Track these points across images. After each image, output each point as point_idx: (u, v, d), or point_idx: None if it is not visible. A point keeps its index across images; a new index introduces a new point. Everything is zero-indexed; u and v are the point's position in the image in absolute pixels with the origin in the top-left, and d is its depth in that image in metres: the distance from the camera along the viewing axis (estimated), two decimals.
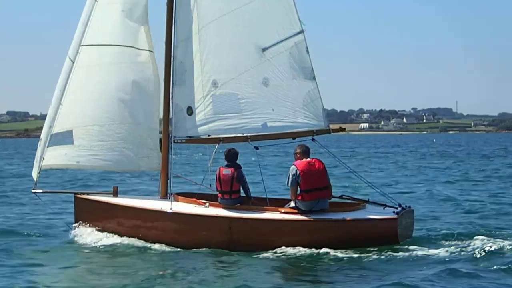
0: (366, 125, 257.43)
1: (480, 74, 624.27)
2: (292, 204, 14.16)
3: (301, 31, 15.02)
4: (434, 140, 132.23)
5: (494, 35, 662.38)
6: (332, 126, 15.38)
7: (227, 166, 14.58)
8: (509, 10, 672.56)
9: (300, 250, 13.59)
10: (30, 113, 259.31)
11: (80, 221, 15.38)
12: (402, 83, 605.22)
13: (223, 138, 15.13)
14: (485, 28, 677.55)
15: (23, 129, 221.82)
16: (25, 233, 16.60)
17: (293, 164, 14.11)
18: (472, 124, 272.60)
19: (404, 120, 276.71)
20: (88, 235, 15.07)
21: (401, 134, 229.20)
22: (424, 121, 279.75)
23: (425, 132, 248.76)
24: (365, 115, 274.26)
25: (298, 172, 13.91)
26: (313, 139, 14.95)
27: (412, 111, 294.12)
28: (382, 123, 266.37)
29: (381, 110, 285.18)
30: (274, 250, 13.66)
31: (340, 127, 16.22)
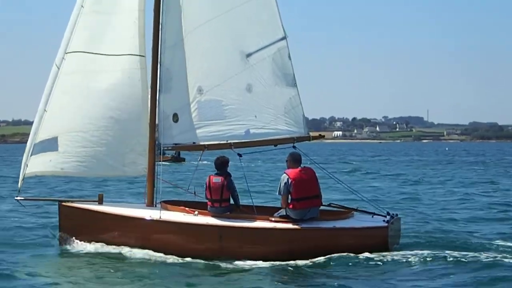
0: (339, 133, 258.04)
1: (451, 83, 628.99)
2: (283, 212, 14.10)
3: (284, 37, 15.07)
4: (447, 148, 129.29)
5: (465, 44, 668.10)
6: (311, 134, 15.42)
7: (217, 174, 14.51)
8: (481, 19, 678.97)
9: (291, 259, 13.53)
10: (1, 119, 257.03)
11: (65, 229, 15.15)
12: (372, 91, 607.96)
13: (207, 145, 15.08)
14: (456, 37, 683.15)
15: (0, 134, 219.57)
16: (8, 242, 16.38)
17: (285, 173, 14.08)
18: (445, 133, 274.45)
19: (377, 128, 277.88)
20: (73, 244, 14.93)
21: (380, 142, 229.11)
22: (397, 129, 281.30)
23: (398, 141, 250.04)
24: (338, 123, 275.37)
25: (289, 180, 13.86)
26: (294, 146, 14.95)
27: (383, 119, 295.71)
28: (356, 131, 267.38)
29: (354, 118, 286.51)
30: (265, 259, 13.59)
31: (320, 134, 16.36)
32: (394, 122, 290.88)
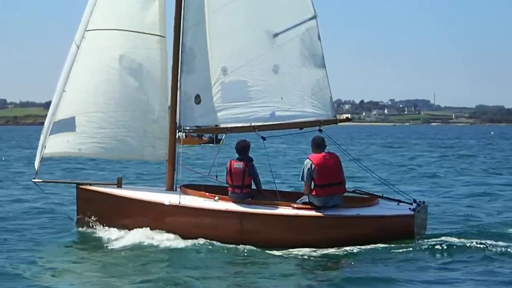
0: (348, 116, 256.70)
1: (457, 66, 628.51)
2: (306, 199, 13.61)
3: (314, 17, 14.45)
4: (492, 133, 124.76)
5: (472, 27, 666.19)
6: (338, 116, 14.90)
7: (238, 159, 13.98)
8: (489, 3, 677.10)
9: (313, 247, 13.14)
10: (8, 101, 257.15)
11: (83, 213, 14.75)
12: (379, 74, 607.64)
13: (230, 128, 14.57)
14: (463, 21, 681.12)
15: (12, 116, 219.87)
16: (26, 225, 16.16)
17: (308, 158, 13.58)
18: (453, 116, 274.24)
19: (386, 111, 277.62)
20: (91, 227, 14.52)
21: (394, 125, 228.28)
22: (406, 112, 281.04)
23: (407, 124, 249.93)
24: (346, 106, 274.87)
25: (313, 166, 13.36)
26: (320, 130, 14.42)
27: (390, 102, 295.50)
28: (364, 114, 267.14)
29: (361, 101, 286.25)
30: (287, 247, 13.17)
31: (347, 118, 15.86)
32: (401, 105, 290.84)
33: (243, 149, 14.04)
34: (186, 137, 44.15)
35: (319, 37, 14.50)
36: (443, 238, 13.86)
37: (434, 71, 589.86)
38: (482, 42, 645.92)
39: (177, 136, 14.96)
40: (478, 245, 13.25)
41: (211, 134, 54.75)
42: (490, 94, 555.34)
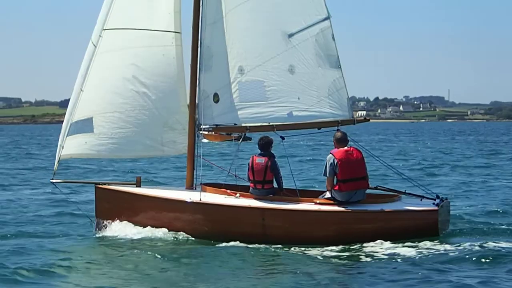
0: (363, 113, 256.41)
1: (471, 62, 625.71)
2: (328, 194, 13.66)
3: (327, 18, 14.58)
4: None
5: (486, 23, 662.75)
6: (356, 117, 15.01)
7: (260, 154, 14.09)
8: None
9: (336, 243, 13.15)
10: (23, 100, 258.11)
11: (102, 213, 14.83)
12: (392, 71, 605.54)
13: (249, 127, 14.70)
14: (477, 16, 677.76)
15: (30, 115, 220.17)
16: (45, 225, 16.25)
17: (330, 153, 13.63)
18: (468, 113, 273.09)
19: (401, 108, 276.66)
20: (111, 227, 14.61)
21: (412, 122, 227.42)
22: (421, 109, 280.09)
23: (423, 120, 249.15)
24: (361, 103, 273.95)
25: (335, 161, 13.41)
26: (338, 130, 14.46)
27: (404, 99, 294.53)
28: (379, 111, 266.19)
29: (376, 98, 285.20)
30: (309, 243, 13.20)
31: (365, 118, 15.95)
32: (416, 102, 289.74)
33: (265, 145, 14.16)
34: (214, 133, 44.06)
35: (333, 37, 14.62)
36: (467, 236, 13.93)
37: (447, 68, 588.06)
38: (494, 38, 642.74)
39: (202, 132, 15.12)
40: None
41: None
42: (504, 90, 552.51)
